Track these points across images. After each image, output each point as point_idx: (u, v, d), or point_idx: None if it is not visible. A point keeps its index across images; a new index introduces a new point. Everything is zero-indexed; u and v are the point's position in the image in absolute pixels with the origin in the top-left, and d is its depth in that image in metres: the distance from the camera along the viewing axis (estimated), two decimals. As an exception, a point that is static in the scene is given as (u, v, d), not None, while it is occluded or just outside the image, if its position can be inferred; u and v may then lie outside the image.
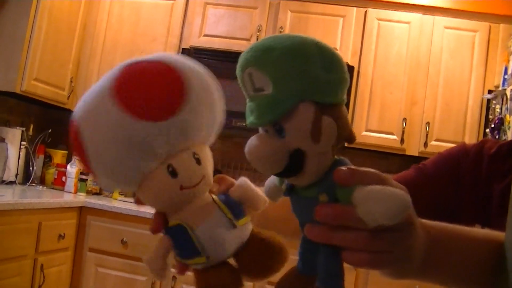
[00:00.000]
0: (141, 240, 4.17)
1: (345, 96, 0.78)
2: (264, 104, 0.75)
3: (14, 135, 4.53)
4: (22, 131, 4.59)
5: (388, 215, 0.68)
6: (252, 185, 0.89)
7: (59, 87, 4.65)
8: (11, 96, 4.52)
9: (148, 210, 4.17)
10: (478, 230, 0.94)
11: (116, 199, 4.82)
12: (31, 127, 4.85)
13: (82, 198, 4.43)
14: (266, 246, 0.86)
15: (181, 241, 0.83)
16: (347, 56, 4.55)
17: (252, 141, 0.77)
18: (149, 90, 0.79)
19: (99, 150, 0.79)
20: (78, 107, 0.82)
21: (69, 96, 4.79)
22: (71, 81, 4.79)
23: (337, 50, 4.25)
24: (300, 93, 0.73)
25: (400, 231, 0.75)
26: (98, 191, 4.98)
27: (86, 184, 4.76)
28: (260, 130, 0.80)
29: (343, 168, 0.73)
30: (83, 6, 4.83)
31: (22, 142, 4.61)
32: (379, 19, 4.60)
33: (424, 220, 0.84)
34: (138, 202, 0.88)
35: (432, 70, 4.51)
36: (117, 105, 0.77)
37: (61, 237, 4.00)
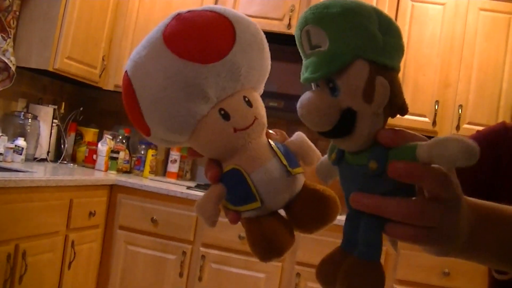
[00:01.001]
0: (171, 218, 4.20)
1: (399, 65, 0.78)
2: (320, 59, 0.75)
3: (46, 112, 4.57)
4: (54, 109, 4.63)
5: (468, 152, 0.68)
6: (308, 140, 0.91)
7: (91, 65, 4.68)
8: (44, 74, 4.57)
9: (179, 189, 4.21)
10: None
11: (146, 177, 4.86)
12: (63, 105, 4.88)
13: (113, 176, 4.47)
14: (318, 197, 0.85)
15: (236, 186, 0.83)
16: (380, 37, 4.49)
17: (305, 95, 0.77)
18: (198, 33, 0.81)
19: (152, 96, 0.80)
20: (130, 58, 0.84)
21: (101, 74, 4.81)
22: (103, 60, 4.81)
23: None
24: (357, 49, 0.73)
25: (448, 203, 0.74)
26: (128, 170, 5.01)
27: (117, 163, 4.80)
28: (313, 88, 0.80)
29: (386, 129, 0.74)
30: (115, -16, 4.83)
31: (54, 120, 4.64)
32: (413, 0, 4.55)
33: (468, 198, 0.82)
34: (192, 153, 0.89)
35: (466, 53, 4.46)
36: (167, 49, 0.79)
37: (92, 214, 4.04)
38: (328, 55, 0.74)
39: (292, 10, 4.60)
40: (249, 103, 0.84)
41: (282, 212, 0.88)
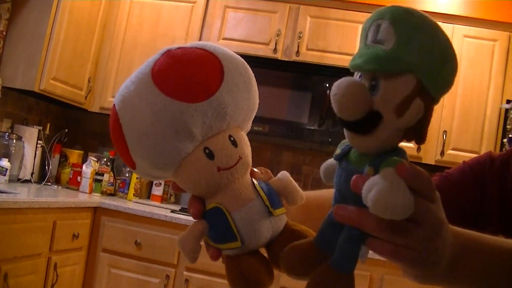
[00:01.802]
0: (155, 242, 4.17)
1: (440, 98, 0.79)
2: (377, 55, 0.76)
3: (31, 133, 4.55)
4: (39, 130, 4.61)
5: (379, 207, 0.68)
6: (292, 180, 0.91)
7: (77, 87, 4.67)
8: (30, 95, 4.55)
9: (163, 213, 4.19)
10: (505, 240, 0.93)
11: (131, 200, 4.84)
12: (48, 126, 4.87)
13: (97, 199, 4.45)
14: (298, 238, 0.86)
15: (218, 224, 0.84)
16: (366, 63, 4.52)
17: (346, 79, 0.77)
18: (186, 72, 0.82)
19: (138, 131, 0.81)
20: (118, 92, 0.84)
21: (86, 96, 4.81)
22: (89, 81, 4.81)
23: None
24: (413, 66, 0.74)
25: (429, 229, 0.74)
26: (112, 192, 4.99)
27: (101, 185, 4.78)
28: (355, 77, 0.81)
29: (410, 165, 0.73)
30: (103, 5, 4.85)
31: (39, 141, 4.62)
32: (399, 26, 4.57)
33: (452, 226, 0.82)
34: (175, 188, 0.89)
35: (450, 79, 4.47)
36: (155, 87, 0.80)
37: (75, 236, 4.01)
38: (386, 54, 0.75)
39: (278, 35, 4.61)
40: (234, 143, 0.85)
41: (263, 251, 0.88)
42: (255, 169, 0.92)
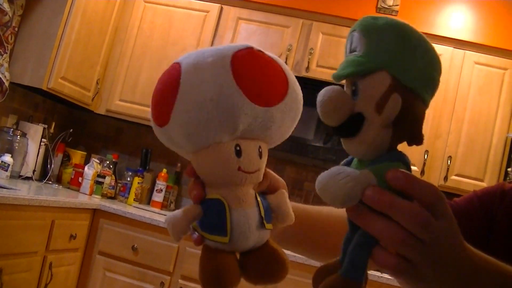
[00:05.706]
0: (152, 248, 4.17)
1: (429, 98, 0.81)
2: (351, 61, 0.79)
3: (36, 131, 4.55)
4: (44, 128, 4.61)
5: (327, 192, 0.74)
6: (288, 201, 0.94)
7: (84, 88, 4.68)
8: (37, 92, 4.56)
9: (162, 219, 4.18)
10: None
11: (131, 205, 4.83)
12: (53, 125, 4.87)
13: (96, 201, 4.44)
14: (274, 256, 0.89)
15: (215, 215, 0.86)
16: (375, 83, 4.52)
17: (329, 87, 0.80)
18: (262, 75, 0.85)
19: (194, 100, 0.82)
20: (189, 56, 0.87)
21: (93, 98, 4.82)
22: (97, 83, 4.82)
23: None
24: (385, 64, 0.77)
25: (435, 247, 0.74)
26: (113, 195, 4.99)
27: (102, 187, 4.77)
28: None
29: (402, 171, 0.75)
30: (116, 9, 4.87)
31: (43, 139, 4.62)
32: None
33: (475, 250, 0.81)
34: (189, 172, 0.90)
35: (458, 105, 4.49)
36: (230, 71, 0.82)
37: (72, 237, 4.01)
38: (358, 59, 0.78)
39: (289, 50, 4.62)
40: (260, 154, 0.88)
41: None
42: None
